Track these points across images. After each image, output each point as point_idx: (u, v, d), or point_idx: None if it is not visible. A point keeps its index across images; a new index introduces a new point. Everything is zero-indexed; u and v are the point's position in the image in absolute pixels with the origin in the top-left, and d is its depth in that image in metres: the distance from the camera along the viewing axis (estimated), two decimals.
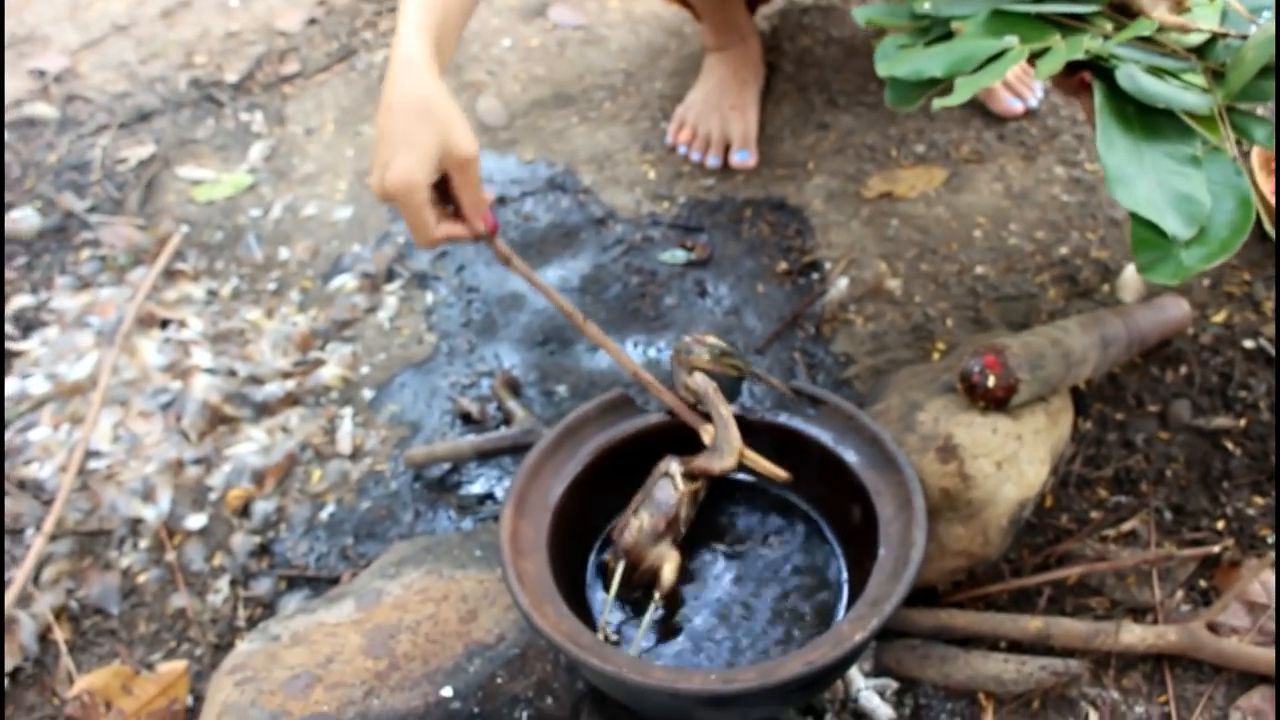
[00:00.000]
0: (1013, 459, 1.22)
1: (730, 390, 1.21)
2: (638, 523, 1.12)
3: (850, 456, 1.15)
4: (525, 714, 1.13)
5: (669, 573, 1.11)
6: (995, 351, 1.23)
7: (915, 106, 1.17)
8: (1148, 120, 1.08)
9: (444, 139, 1.13)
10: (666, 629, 1.14)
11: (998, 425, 1.23)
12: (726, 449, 1.14)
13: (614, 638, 1.14)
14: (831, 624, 1.10)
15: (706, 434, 1.16)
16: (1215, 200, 1.04)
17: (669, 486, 1.13)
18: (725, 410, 1.16)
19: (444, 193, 1.18)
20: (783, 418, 1.20)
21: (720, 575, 1.18)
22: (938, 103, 1.08)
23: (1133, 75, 1.07)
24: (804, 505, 1.22)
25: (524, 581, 1.03)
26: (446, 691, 1.12)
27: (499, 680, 1.14)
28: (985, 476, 1.20)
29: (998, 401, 1.24)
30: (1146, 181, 1.04)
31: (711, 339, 1.20)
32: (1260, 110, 1.12)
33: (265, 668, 1.16)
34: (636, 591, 1.14)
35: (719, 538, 1.21)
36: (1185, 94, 1.08)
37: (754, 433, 1.19)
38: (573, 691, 1.16)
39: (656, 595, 1.11)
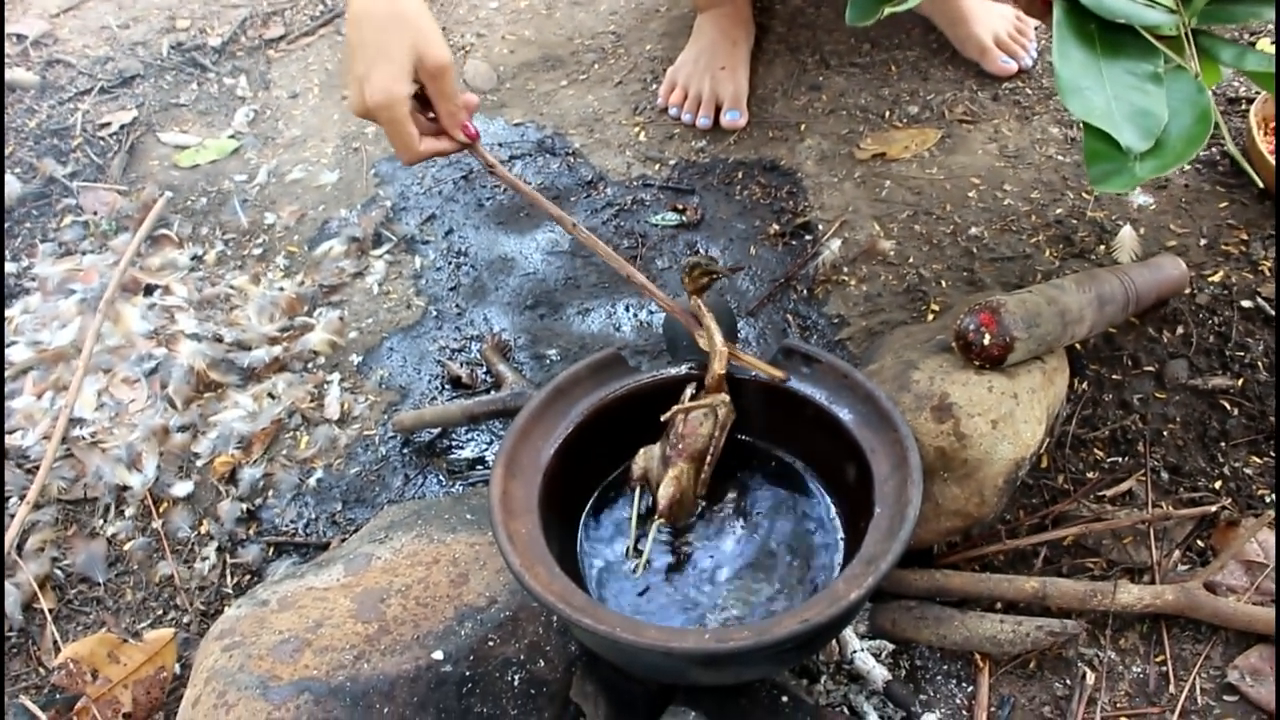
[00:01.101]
0: (1009, 418, 1.21)
1: (728, 328, 1.20)
2: (652, 448, 1.12)
3: (844, 414, 1.13)
4: (517, 677, 1.12)
5: (663, 491, 1.11)
6: (991, 309, 1.22)
7: (873, 19, 1.15)
8: (1109, 37, 1.08)
9: (417, 48, 1.11)
10: (676, 564, 1.14)
11: (993, 384, 1.22)
12: (714, 354, 1.15)
13: (640, 564, 1.13)
14: (827, 583, 1.09)
15: (702, 339, 1.17)
16: (1173, 115, 1.04)
17: (679, 412, 1.13)
18: (709, 320, 1.17)
19: (424, 103, 1.17)
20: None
21: (714, 536, 1.16)
22: (889, 8, 1.08)
23: None
24: (798, 465, 1.21)
25: (515, 543, 1.01)
26: (437, 655, 1.10)
27: (490, 643, 1.12)
28: (981, 435, 1.19)
29: (993, 360, 1.22)
30: (1103, 95, 1.05)
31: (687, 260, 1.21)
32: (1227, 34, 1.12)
33: (253, 633, 1.14)
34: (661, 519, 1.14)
35: (713, 498, 1.19)
36: (1148, 11, 1.08)
37: (747, 392, 1.18)
38: (565, 654, 1.14)
39: (656, 515, 1.12)
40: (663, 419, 1.14)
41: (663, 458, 1.12)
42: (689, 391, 1.15)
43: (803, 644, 1.02)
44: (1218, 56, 1.09)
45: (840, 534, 1.14)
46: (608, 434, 1.18)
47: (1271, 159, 1.58)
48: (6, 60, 2.20)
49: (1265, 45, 1.84)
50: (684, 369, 1.20)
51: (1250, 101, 1.74)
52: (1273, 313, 1.47)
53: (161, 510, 1.48)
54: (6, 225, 1.88)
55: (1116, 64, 1.06)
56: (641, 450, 1.14)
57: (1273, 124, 1.67)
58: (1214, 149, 1.72)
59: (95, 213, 1.88)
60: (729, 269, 1.23)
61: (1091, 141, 1.05)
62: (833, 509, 1.17)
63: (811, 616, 0.94)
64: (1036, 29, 1.93)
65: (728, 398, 1.15)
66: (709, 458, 1.13)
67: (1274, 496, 1.32)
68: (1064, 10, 1.07)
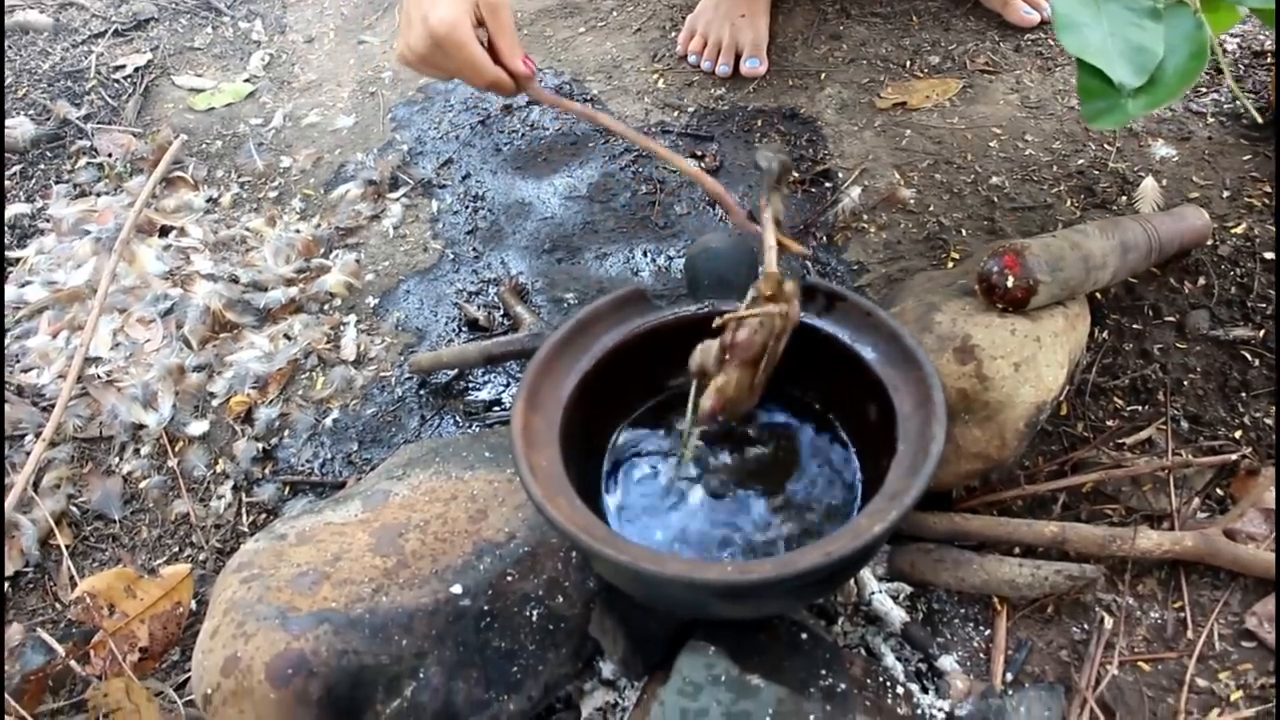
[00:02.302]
0: (1031, 361, 1.20)
1: (749, 271, 1.20)
2: (710, 343, 1.10)
3: (868, 353, 1.12)
4: (535, 612, 1.12)
5: (705, 403, 1.09)
6: (1015, 252, 1.21)
7: None
8: None
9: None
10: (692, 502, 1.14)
11: (1016, 326, 1.21)
12: (768, 251, 1.13)
13: (685, 455, 1.15)
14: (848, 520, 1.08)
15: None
16: (1170, 51, 1.04)
17: (732, 320, 1.11)
18: (768, 218, 1.16)
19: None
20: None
21: (733, 475, 1.16)
22: None
23: None
24: (818, 404, 1.20)
25: (536, 474, 1.01)
26: (456, 589, 1.10)
27: (509, 578, 1.12)
28: (1003, 378, 1.18)
29: (1016, 303, 1.22)
30: (1099, 31, 1.04)
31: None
32: None
33: (272, 565, 1.14)
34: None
35: (730, 437, 1.19)
36: None
37: None
38: (583, 590, 1.14)
39: (694, 423, 1.12)
40: (715, 324, 1.11)
41: (718, 359, 1.10)
42: (751, 294, 1.11)
43: (824, 578, 1.01)
44: None
45: (860, 474, 1.14)
46: (629, 370, 1.17)
47: None
48: (22, 2, 2.19)
49: None
50: (706, 308, 1.19)
51: (1275, 54, 1.72)
52: (1274, 259, 1.46)
53: (177, 449, 1.48)
54: (21, 167, 1.87)
55: (1114, 0, 1.05)
56: (700, 345, 1.11)
57: None
58: (1237, 101, 1.70)
59: (110, 155, 1.87)
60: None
61: (1085, 78, 1.04)
62: (853, 448, 1.16)
63: (834, 550, 0.94)
64: None
65: (785, 306, 1.10)
66: (763, 363, 1.10)
67: (1275, 442, 1.31)
68: None
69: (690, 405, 1.13)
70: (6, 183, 1.84)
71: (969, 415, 1.20)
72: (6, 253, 1.72)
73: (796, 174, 1.69)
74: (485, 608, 1.10)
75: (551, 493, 1.00)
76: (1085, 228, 1.32)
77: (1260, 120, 1.58)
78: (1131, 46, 1.03)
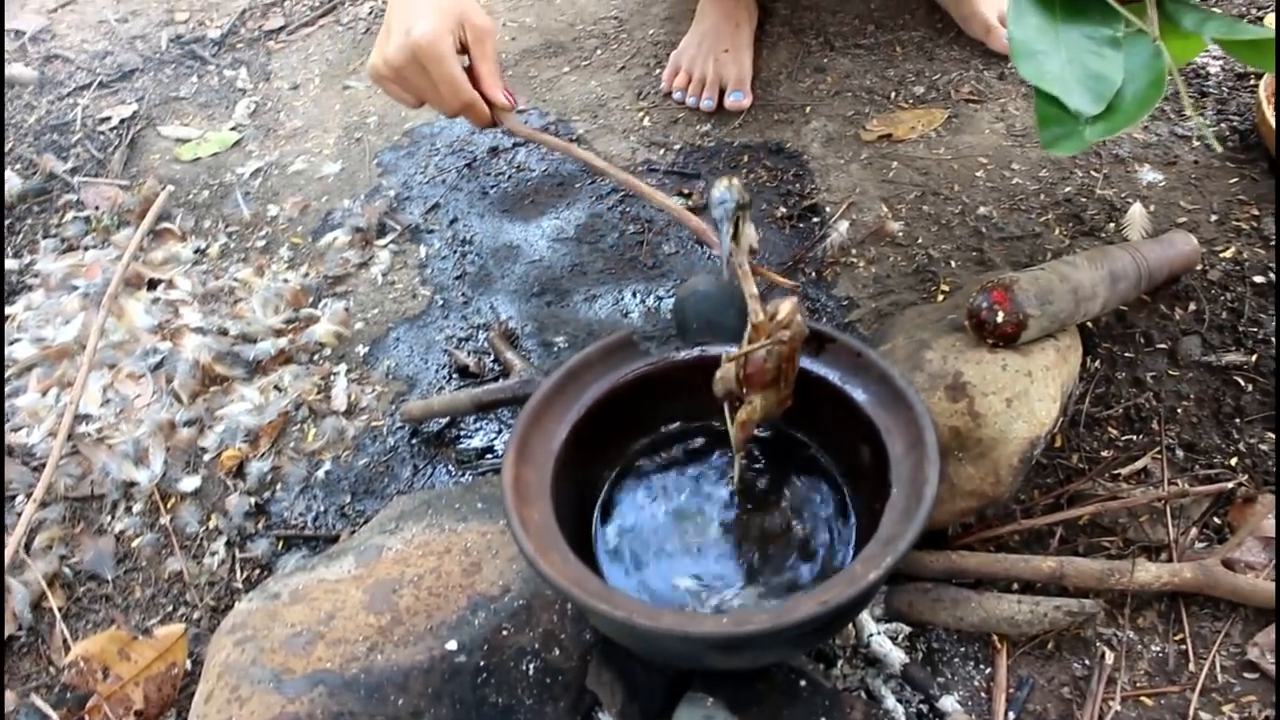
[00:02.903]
0: (1023, 396, 1.20)
1: (739, 314, 1.19)
2: (728, 369, 1.09)
3: (859, 394, 1.11)
4: (532, 666, 1.11)
5: (736, 436, 1.10)
6: (1004, 287, 1.21)
7: None
8: (1070, 2, 1.07)
9: (463, 9, 1.13)
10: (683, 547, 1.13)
11: (1007, 362, 1.21)
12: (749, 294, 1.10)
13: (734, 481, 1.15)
14: (843, 566, 1.08)
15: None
16: (1129, 79, 1.04)
17: (739, 357, 1.10)
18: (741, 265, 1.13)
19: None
20: None
21: (727, 518, 1.15)
22: None
23: None
24: (812, 446, 1.19)
25: (528, 528, 1.00)
26: (451, 645, 1.09)
27: (504, 632, 1.11)
28: (995, 414, 1.18)
29: (1007, 338, 1.21)
30: (1057, 59, 1.04)
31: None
32: None
33: (265, 626, 1.13)
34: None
35: (723, 476, 1.18)
36: None
37: None
38: (580, 642, 1.13)
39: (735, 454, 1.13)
40: (727, 358, 1.10)
41: (739, 381, 1.10)
42: (747, 334, 1.09)
43: (821, 627, 1.00)
44: (1180, 22, 1.08)
45: (854, 517, 1.13)
46: (621, 416, 1.17)
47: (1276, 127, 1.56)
48: (7, 56, 2.19)
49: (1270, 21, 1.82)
50: (695, 352, 1.18)
51: (1260, 76, 1.72)
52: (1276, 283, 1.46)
53: (169, 506, 1.47)
54: (8, 222, 1.87)
55: (1075, 28, 1.05)
56: (719, 374, 1.09)
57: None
58: (1223, 124, 1.70)
59: (97, 208, 1.87)
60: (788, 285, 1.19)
61: (1042, 105, 1.04)
62: (846, 491, 1.15)
63: (830, 598, 0.93)
64: None
65: (784, 332, 1.07)
66: (781, 381, 1.10)
67: (1276, 473, 1.31)
68: None
69: (731, 427, 1.12)
70: None
71: (962, 453, 1.19)
72: None
73: (785, 209, 1.68)
74: (481, 663, 1.09)
75: (544, 547, 1.00)
76: (1074, 259, 1.32)
77: (1220, 149, 1.58)
78: (1090, 74, 1.03)
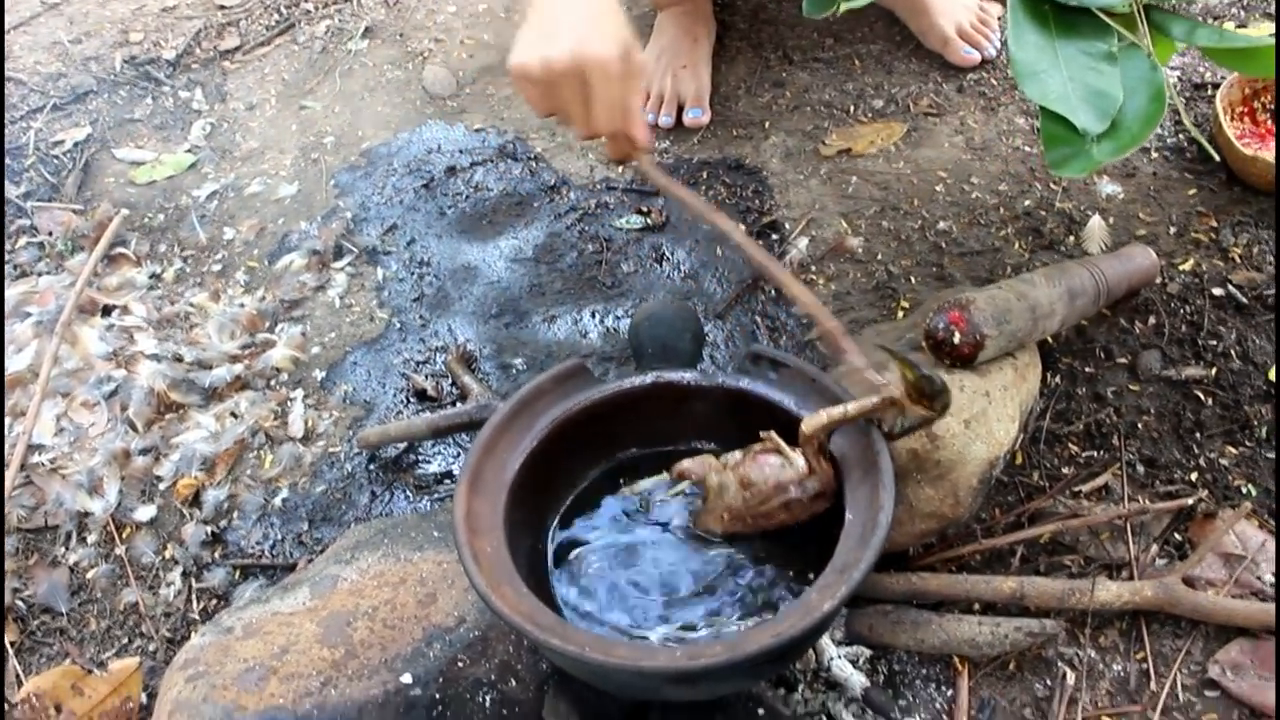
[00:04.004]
0: (981, 417, 1.19)
1: (694, 336, 1.20)
2: (727, 459, 1.10)
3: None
4: (488, 698, 1.09)
5: (704, 521, 1.12)
6: (960, 307, 1.20)
7: (829, 11, 1.14)
8: (1063, 17, 1.08)
9: (628, 39, 1.09)
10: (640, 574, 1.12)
11: (965, 383, 1.20)
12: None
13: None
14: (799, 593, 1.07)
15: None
16: (1128, 95, 1.05)
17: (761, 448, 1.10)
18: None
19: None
20: (744, 382, 1.16)
21: (680, 547, 1.14)
22: (845, 5, 1.09)
23: None
24: None
25: (480, 562, 0.99)
26: (406, 678, 1.08)
27: (460, 664, 1.10)
28: (953, 436, 1.17)
29: (964, 358, 1.21)
30: (1058, 77, 1.05)
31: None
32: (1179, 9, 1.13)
33: (217, 661, 1.12)
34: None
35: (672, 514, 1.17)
36: None
37: (713, 398, 1.16)
38: (536, 673, 1.12)
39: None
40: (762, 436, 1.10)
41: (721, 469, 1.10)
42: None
43: (776, 658, 0.99)
44: (1169, 32, 1.10)
45: (811, 544, 1.12)
46: (575, 444, 1.15)
47: (1239, 145, 1.56)
48: None
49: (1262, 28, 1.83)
50: (650, 378, 1.17)
51: (1216, 87, 1.72)
52: (1244, 301, 1.46)
53: (124, 536, 1.45)
54: None
55: (1071, 44, 1.06)
56: (712, 464, 1.11)
57: (1239, 109, 1.65)
58: (1181, 135, 1.71)
59: (50, 233, 1.84)
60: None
61: (1049, 125, 1.05)
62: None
63: (784, 630, 0.92)
64: (999, 19, 1.92)
65: (822, 475, 1.07)
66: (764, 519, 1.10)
67: (1276, 491, 1.30)
68: None
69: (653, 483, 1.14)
70: None
71: (921, 475, 1.18)
72: None
73: (744, 226, 1.67)
74: (436, 696, 1.08)
75: (496, 581, 0.98)
76: (1031, 276, 1.32)
77: (1217, 158, 1.59)
78: (1091, 91, 1.04)
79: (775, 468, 1.07)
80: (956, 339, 1.20)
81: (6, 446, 1.53)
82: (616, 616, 1.07)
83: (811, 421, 1.03)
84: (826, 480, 1.05)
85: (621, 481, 1.18)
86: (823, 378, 1.12)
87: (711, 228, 1.40)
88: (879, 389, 1.03)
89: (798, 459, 1.06)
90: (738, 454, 1.10)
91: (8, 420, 1.57)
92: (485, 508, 1.06)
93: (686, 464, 1.11)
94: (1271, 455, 1.33)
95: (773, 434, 1.08)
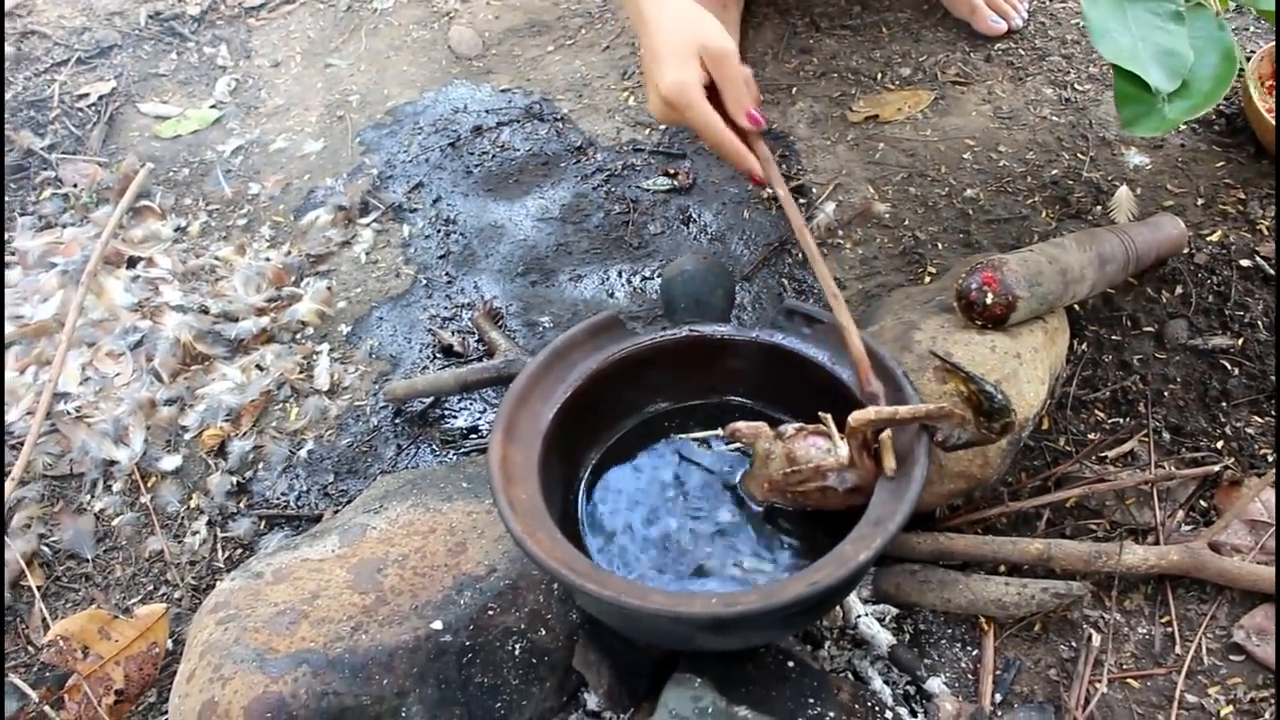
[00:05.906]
0: (1012, 378, 1.19)
1: (726, 294, 1.21)
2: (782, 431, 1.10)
3: (847, 375, 1.11)
4: (518, 646, 1.10)
5: (751, 487, 1.13)
6: (993, 268, 1.20)
7: None
8: None
9: (699, 38, 1.14)
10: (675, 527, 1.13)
11: (996, 343, 1.21)
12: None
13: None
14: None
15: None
16: (1198, 54, 1.06)
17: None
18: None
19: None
20: (777, 337, 1.16)
21: (716, 504, 1.14)
22: None
23: None
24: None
25: (515, 509, 0.99)
26: (436, 625, 1.08)
27: (490, 612, 1.10)
28: None
29: (996, 319, 1.21)
30: (1129, 36, 1.07)
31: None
32: None
33: (249, 605, 1.12)
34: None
35: (713, 469, 1.17)
36: None
37: (746, 352, 1.16)
38: (566, 622, 1.12)
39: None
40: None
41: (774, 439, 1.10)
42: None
43: (810, 607, 1.00)
44: None
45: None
46: (608, 396, 1.16)
47: (1270, 117, 1.56)
48: None
49: None
50: (684, 331, 1.18)
51: (1247, 60, 1.71)
52: (1272, 272, 1.46)
53: (150, 485, 1.46)
54: None
55: (1139, 4, 1.06)
56: (764, 430, 1.11)
57: (1268, 82, 1.65)
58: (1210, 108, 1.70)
59: (75, 185, 1.84)
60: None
61: (1121, 84, 1.06)
62: None
63: (820, 579, 0.92)
64: None
65: (862, 470, 1.06)
66: (802, 497, 1.10)
67: (1276, 455, 1.31)
68: None
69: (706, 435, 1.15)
70: None
71: None
72: None
73: (770, 190, 1.67)
74: (467, 643, 1.08)
75: (532, 527, 0.99)
76: (1062, 241, 1.32)
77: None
78: (1161, 50, 1.06)
79: (821, 450, 1.07)
80: (989, 299, 1.20)
81: (33, 395, 1.54)
82: (645, 567, 1.08)
83: (860, 415, 1.03)
84: (865, 476, 1.05)
85: (667, 425, 1.20)
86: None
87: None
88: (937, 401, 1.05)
89: (842, 448, 1.05)
90: (792, 427, 1.10)
91: (33, 368, 1.58)
92: (519, 456, 1.06)
93: (740, 425, 1.12)
94: None
95: (829, 418, 1.08)
